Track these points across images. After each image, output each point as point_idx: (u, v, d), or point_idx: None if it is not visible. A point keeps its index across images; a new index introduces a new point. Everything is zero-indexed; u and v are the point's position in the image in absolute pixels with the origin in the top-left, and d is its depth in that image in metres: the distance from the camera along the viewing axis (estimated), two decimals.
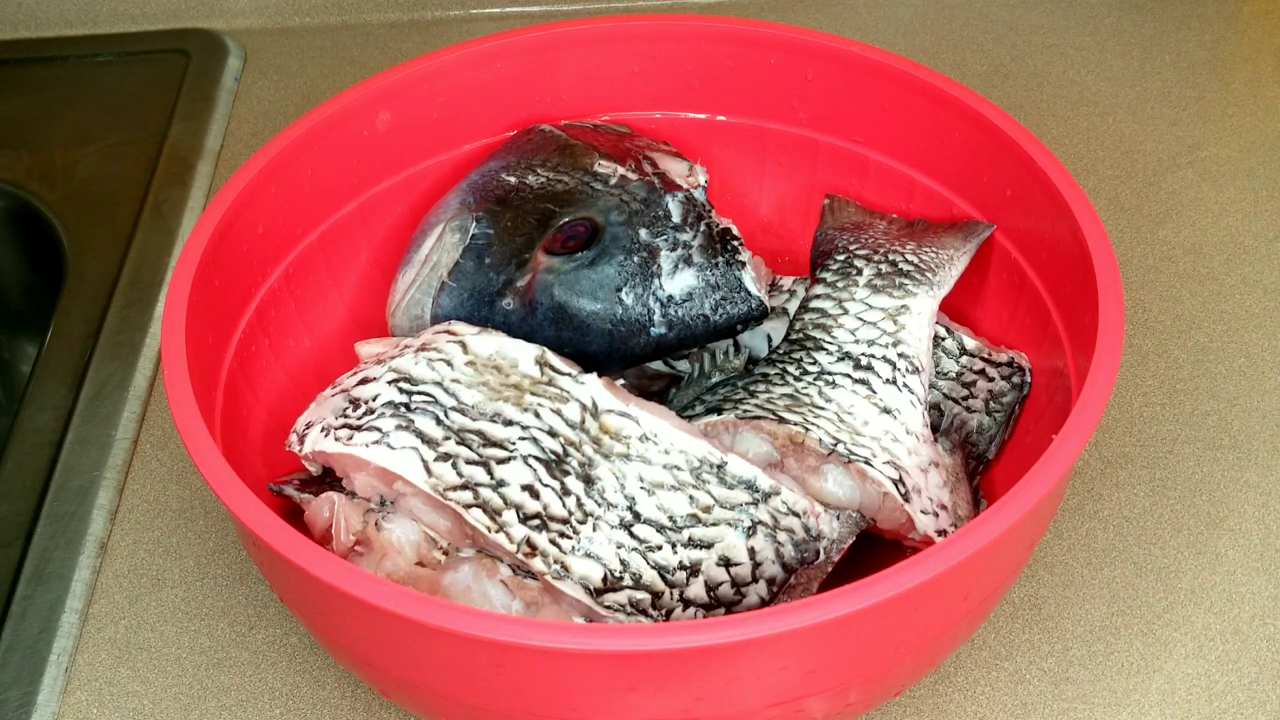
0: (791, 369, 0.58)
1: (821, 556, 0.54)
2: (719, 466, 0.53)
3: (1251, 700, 0.57)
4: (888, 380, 0.57)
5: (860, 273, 0.61)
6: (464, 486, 0.51)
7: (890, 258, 0.61)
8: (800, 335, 0.60)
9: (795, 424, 0.55)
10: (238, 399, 0.57)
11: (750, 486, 0.53)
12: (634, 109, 0.69)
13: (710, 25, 0.67)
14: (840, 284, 0.61)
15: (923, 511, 0.55)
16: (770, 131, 0.68)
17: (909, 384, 0.57)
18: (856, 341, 0.59)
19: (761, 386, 0.58)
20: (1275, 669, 0.58)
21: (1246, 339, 0.71)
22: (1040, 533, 0.53)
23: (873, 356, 0.58)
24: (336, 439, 0.53)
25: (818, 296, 0.61)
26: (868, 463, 0.55)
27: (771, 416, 0.56)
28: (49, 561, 0.63)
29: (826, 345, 0.59)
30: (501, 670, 0.46)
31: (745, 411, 0.56)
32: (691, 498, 0.52)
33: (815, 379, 0.58)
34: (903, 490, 0.54)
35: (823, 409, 0.56)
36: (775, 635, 0.43)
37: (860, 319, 0.59)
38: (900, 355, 0.58)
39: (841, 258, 0.62)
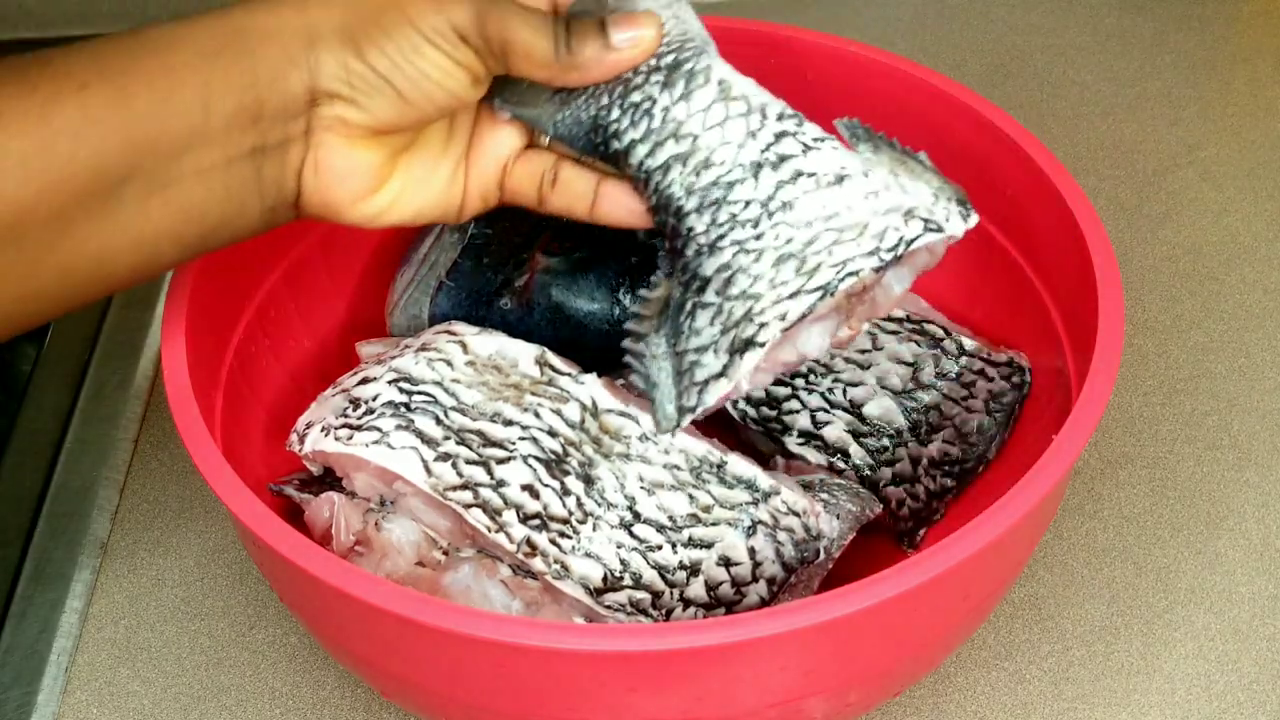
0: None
1: (821, 555, 0.54)
2: (719, 466, 0.53)
3: (1251, 700, 0.57)
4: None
5: None
6: (464, 486, 0.51)
7: None
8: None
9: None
10: (238, 399, 0.57)
11: (750, 486, 0.53)
12: None
13: (710, 25, 0.66)
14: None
15: None
16: None
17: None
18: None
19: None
20: (1275, 669, 0.58)
21: (1246, 339, 0.71)
22: (1040, 533, 0.53)
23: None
24: (337, 439, 0.53)
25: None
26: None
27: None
28: (49, 561, 0.63)
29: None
30: (501, 670, 0.46)
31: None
32: (691, 497, 0.52)
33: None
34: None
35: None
36: (775, 635, 0.43)
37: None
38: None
39: None
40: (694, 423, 0.55)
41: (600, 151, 0.51)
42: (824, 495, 0.55)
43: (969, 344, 0.62)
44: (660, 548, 0.51)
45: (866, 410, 0.60)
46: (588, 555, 0.50)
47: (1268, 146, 0.82)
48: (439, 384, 0.54)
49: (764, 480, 0.53)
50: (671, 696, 0.45)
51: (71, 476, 0.66)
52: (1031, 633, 0.59)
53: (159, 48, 0.46)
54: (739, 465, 0.53)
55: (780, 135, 0.50)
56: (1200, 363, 0.70)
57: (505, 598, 0.52)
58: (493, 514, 0.50)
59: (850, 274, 0.47)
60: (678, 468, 0.53)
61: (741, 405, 0.61)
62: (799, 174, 0.49)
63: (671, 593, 0.51)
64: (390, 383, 0.54)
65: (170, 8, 0.94)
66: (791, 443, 0.60)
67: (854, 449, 0.60)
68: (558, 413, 0.53)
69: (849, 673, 0.48)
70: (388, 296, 0.64)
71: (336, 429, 0.53)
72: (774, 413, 0.60)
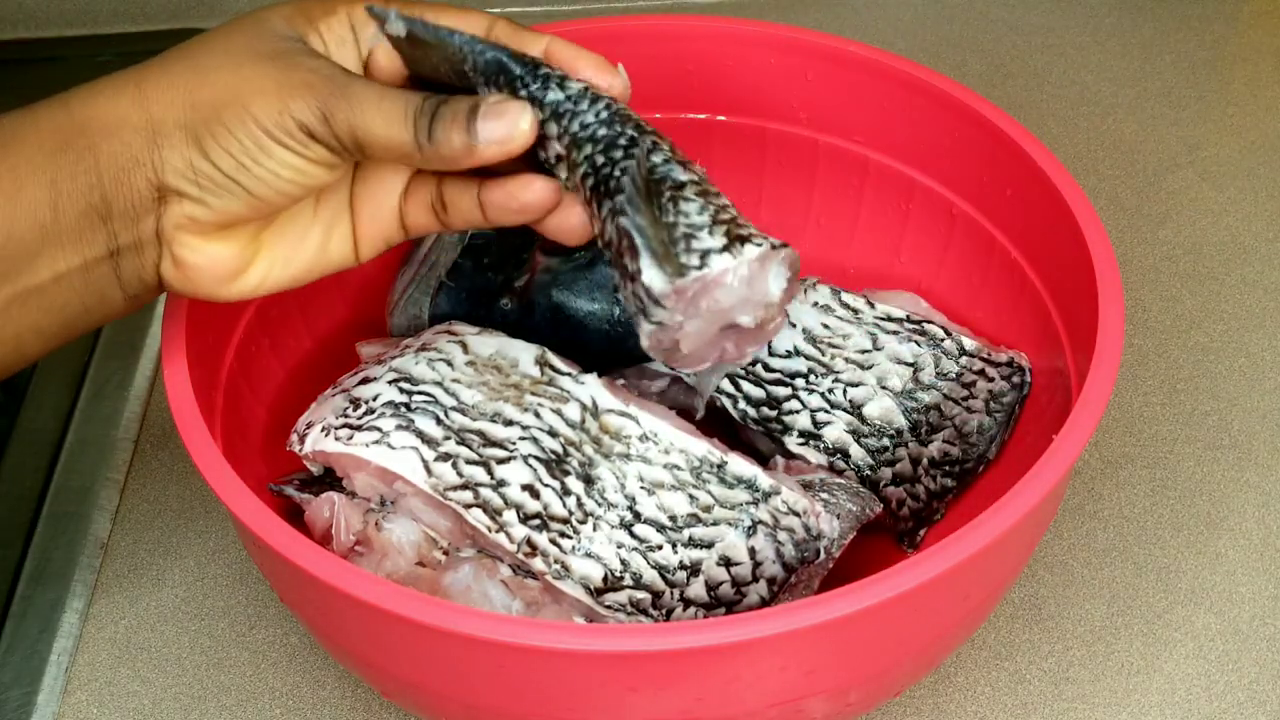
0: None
1: (822, 555, 0.54)
2: (719, 466, 0.53)
3: (1251, 700, 0.57)
4: None
5: None
6: (464, 486, 0.51)
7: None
8: None
9: None
10: (238, 399, 0.57)
11: (750, 486, 0.53)
12: (634, 109, 0.69)
13: (710, 25, 0.67)
14: None
15: None
16: (770, 131, 0.68)
17: None
18: None
19: None
20: (1275, 669, 0.58)
21: (1246, 339, 0.71)
22: (1040, 533, 0.53)
23: None
24: (337, 438, 0.53)
25: None
26: None
27: None
28: (49, 561, 0.63)
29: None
30: (501, 670, 0.46)
31: None
32: (692, 497, 0.52)
33: None
34: None
35: None
36: (775, 635, 0.43)
37: None
38: None
39: None
40: (694, 423, 0.56)
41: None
42: (824, 495, 0.55)
43: (969, 344, 0.62)
44: (660, 547, 0.51)
45: (867, 410, 0.60)
46: (588, 555, 0.50)
47: (1268, 146, 0.82)
48: (439, 384, 0.54)
49: (764, 480, 0.53)
50: (671, 696, 0.45)
51: (71, 476, 0.66)
52: (1031, 633, 0.59)
53: (2, 143, 0.45)
54: (739, 465, 0.53)
55: None
56: (1200, 363, 0.70)
57: (505, 598, 0.52)
58: (493, 514, 0.50)
59: None
60: (678, 468, 0.53)
61: (741, 405, 0.61)
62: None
63: (672, 593, 0.51)
64: (390, 382, 0.54)
65: (171, 9, 0.94)
66: (791, 443, 0.60)
67: (854, 449, 0.60)
68: (558, 413, 0.53)
69: (849, 673, 0.48)
70: (388, 296, 0.64)
71: (337, 429, 0.53)
72: (774, 413, 0.60)
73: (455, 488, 0.51)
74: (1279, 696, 0.57)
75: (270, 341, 0.61)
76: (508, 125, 0.46)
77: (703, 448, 0.53)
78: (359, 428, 0.53)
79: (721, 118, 0.69)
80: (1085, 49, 0.90)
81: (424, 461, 0.51)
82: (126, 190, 0.46)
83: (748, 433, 0.61)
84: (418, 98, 0.46)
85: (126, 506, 0.66)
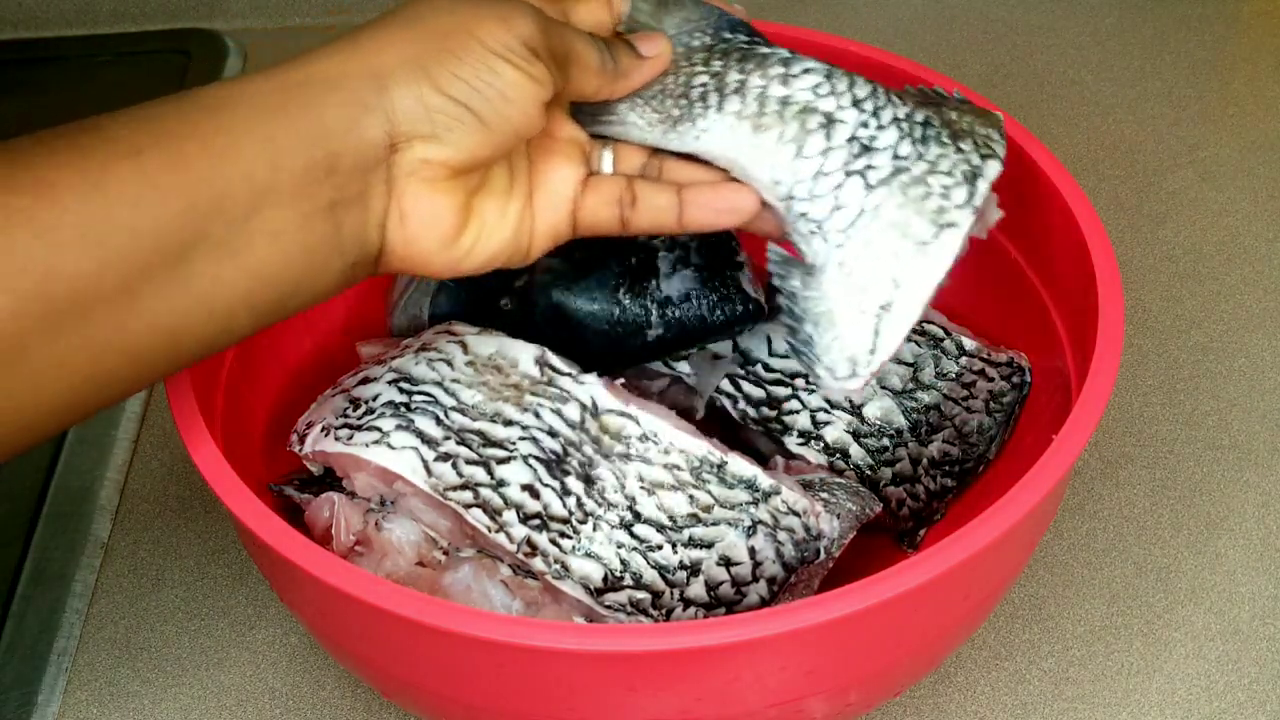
0: None
1: (822, 555, 0.54)
2: (719, 466, 0.53)
3: (1251, 700, 0.57)
4: None
5: None
6: (464, 486, 0.51)
7: None
8: None
9: None
10: (238, 399, 0.57)
11: (750, 486, 0.53)
12: None
13: None
14: None
15: None
16: None
17: None
18: None
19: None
20: (1275, 669, 0.58)
21: (1246, 339, 0.71)
22: (1040, 533, 0.53)
23: None
24: (337, 438, 0.53)
25: None
26: None
27: None
28: (49, 561, 0.63)
29: None
30: (501, 670, 0.46)
31: None
32: (691, 497, 0.52)
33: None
34: None
35: None
36: (775, 635, 0.43)
37: None
38: None
39: None
40: (694, 423, 0.56)
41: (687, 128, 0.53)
42: (824, 495, 0.55)
43: (969, 344, 0.62)
44: (660, 547, 0.51)
45: (866, 410, 0.60)
46: (588, 555, 0.50)
47: (1267, 146, 0.82)
48: (439, 384, 0.54)
49: (764, 480, 0.53)
50: (671, 696, 0.45)
51: (71, 476, 0.66)
52: (1031, 633, 0.59)
53: (214, 107, 0.44)
54: (739, 465, 0.53)
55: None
56: (1200, 363, 0.70)
57: (505, 598, 0.52)
58: (493, 514, 0.50)
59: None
60: (678, 468, 0.53)
61: (741, 405, 0.61)
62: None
63: (672, 593, 0.51)
64: (390, 382, 0.54)
65: (171, 9, 0.94)
66: (791, 443, 0.60)
67: (854, 449, 0.60)
68: (558, 413, 0.53)
69: (849, 673, 0.48)
70: (388, 296, 0.64)
71: (337, 429, 0.53)
72: (774, 413, 0.60)
73: (455, 488, 0.51)
74: (1279, 696, 0.57)
75: (270, 341, 0.61)
76: (656, 42, 0.53)
77: (703, 448, 0.53)
78: (359, 427, 0.53)
79: None
80: (1085, 49, 0.90)
81: (424, 461, 0.51)
82: (356, 140, 0.45)
83: (748, 433, 0.61)
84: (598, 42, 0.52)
85: (126, 506, 0.66)
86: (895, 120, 0.52)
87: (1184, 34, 0.90)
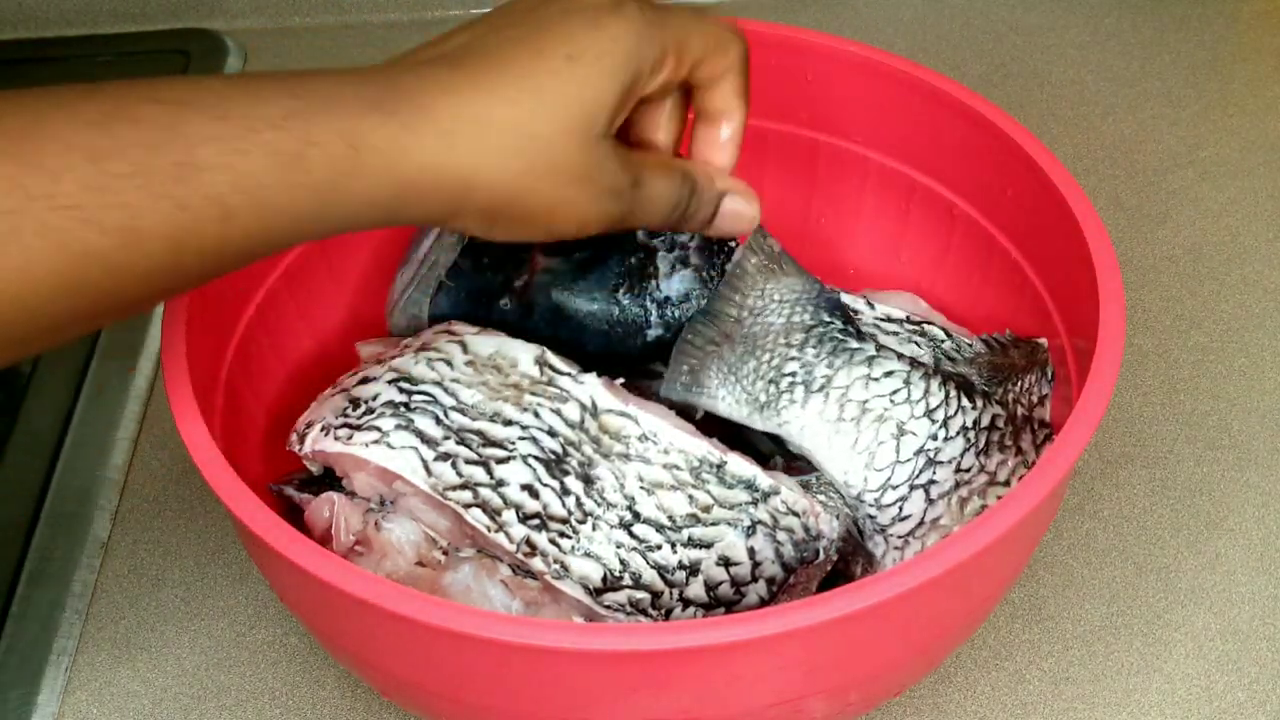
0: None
1: (821, 556, 0.54)
2: (718, 466, 0.53)
3: (1251, 700, 0.57)
4: None
5: None
6: (464, 486, 0.51)
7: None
8: None
9: None
10: (238, 399, 0.57)
11: (750, 486, 0.53)
12: None
13: None
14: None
15: None
16: (770, 131, 0.68)
17: None
18: None
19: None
20: (1275, 669, 0.58)
21: (1246, 339, 0.71)
22: (1040, 533, 0.53)
23: None
24: (336, 438, 0.53)
25: None
26: None
27: None
28: (49, 561, 0.63)
29: None
30: (501, 670, 0.46)
31: None
32: (691, 497, 0.52)
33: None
34: None
35: None
36: (775, 635, 0.43)
37: None
38: None
39: None
40: (694, 423, 0.56)
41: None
42: (821, 497, 0.55)
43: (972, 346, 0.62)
44: (660, 547, 0.51)
45: None
46: (587, 555, 0.50)
47: (1268, 146, 0.82)
48: (439, 384, 0.54)
49: (764, 480, 0.53)
50: (671, 696, 0.45)
51: (71, 476, 0.66)
52: (1031, 633, 0.59)
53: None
54: (739, 465, 0.53)
55: None
56: (1200, 363, 0.70)
57: (505, 598, 0.52)
58: (492, 514, 0.50)
59: None
60: (677, 468, 0.53)
61: None
62: None
63: (671, 592, 0.51)
64: (390, 382, 0.54)
65: (171, 9, 0.94)
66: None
67: None
68: (557, 412, 0.53)
69: (849, 673, 0.48)
70: (388, 296, 0.64)
71: (336, 428, 0.53)
72: None
73: (455, 487, 0.51)
74: (1279, 696, 0.57)
75: (270, 341, 0.61)
76: (748, 216, 0.54)
77: (702, 448, 0.53)
78: (359, 427, 0.53)
79: None
80: (1085, 49, 0.90)
81: (424, 461, 0.51)
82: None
83: (748, 433, 0.61)
84: (683, 190, 0.51)
85: (126, 506, 0.66)
86: (963, 430, 0.55)
87: (1184, 34, 0.90)
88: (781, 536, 0.53)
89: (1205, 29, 0.91)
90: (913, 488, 0.54)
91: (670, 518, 0.52)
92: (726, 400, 0.57)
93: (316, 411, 0.56)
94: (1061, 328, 0.58)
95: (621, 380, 0.56)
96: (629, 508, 0.51)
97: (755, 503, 0.53)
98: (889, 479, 0.55)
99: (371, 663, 0.50)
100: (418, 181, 0.44)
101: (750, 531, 0.52)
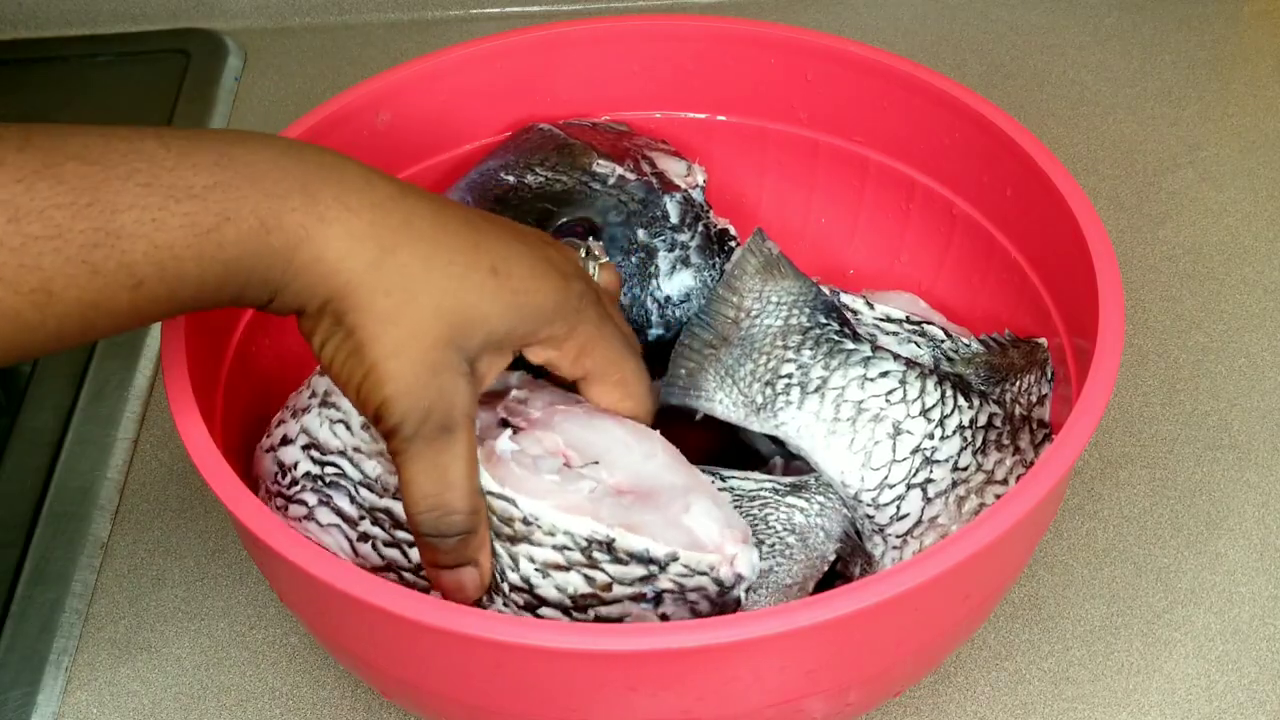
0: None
1: (820, 558, 0.54)
2: (608, 544, 0.49)
3: (1251, 700, 0.57)
4: None
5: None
6: (386, 568, 0.50)
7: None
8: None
9: None
10: (238, 399, 0.57)
11: (645, 560, 0.49)
12: (634, 109, 0.69)
13: (710, 25, 0.67)
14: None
15: None
16: (770, 131, 0.68)
17: None
18: None
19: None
20: (1275, 669, 0.58)
21: (1246, 339, 0.71)
22: (1040, 533, 0.53)
23: None
24: (276, 507, 0.53)
25: None
26: None
27: None
28: (49, 561, 0.63)
29: None
30: (501, 670, 0.46)
31: None
32: (588, 577, 0.49)
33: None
34: None
35: None
36: (775, 635, 0.43)
37: None
38: None
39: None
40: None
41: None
42: (819, 498, 0.55)
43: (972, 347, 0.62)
44: None
45: None
46: None
47: (1268, 146, 0.82)
48: (343, 454, 0.52)
49: (658, 549, 0.49)
50: (671, 696, 0.45)
51: (71, 476, 0.66)
52: (1031, 633, 0.59)
53: None
54: (628, 540, 0.49)
55: None
56: (1200, 363, 0.70)
57: None
58: None
59: None
60: (567, 548, 0.49)
61: None
62: None
63: None
64: (304, 449, 0.53)
65: (171, 9, 0.94)
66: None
67: None
68: None
69: (849, 673, 0.48)
70: None
71: (274, 495, 0.53)
72: None
73: (379, 569, 0.50)
74: (1279, 696, 0.57)
75: (270, 341, 0.61)
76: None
77: (587, 526, 0.49)
78: (290, 499, 0.52)
79: (721, 118, 0.69)
80: (1085, 49, 0.90)
81: (349, 540, 0.51)
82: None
83: (748, 433, 0.61)
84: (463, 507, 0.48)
85: (126, 506, 0.66)
86: (960, 429, 0.55)
87: (1184, 34, 0.90)
88: (694, 596, 0.49)
89: (1205, 29, 0.91)
90: (909, 487, 0.54)
91: (571, 598, 0.49)
92: (724, 403, 0.57)
93: (260, 464, 0.55)
94: (1061, 328, 0.58)
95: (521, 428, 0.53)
96: (528, 590, 0.49)
97: (654, 576, 0.49)
98: (886, 478, 0.55)
99: (371, 663, 0.50)
100: (309, 269, 0.45)
101: (659, 601, 0.49)
